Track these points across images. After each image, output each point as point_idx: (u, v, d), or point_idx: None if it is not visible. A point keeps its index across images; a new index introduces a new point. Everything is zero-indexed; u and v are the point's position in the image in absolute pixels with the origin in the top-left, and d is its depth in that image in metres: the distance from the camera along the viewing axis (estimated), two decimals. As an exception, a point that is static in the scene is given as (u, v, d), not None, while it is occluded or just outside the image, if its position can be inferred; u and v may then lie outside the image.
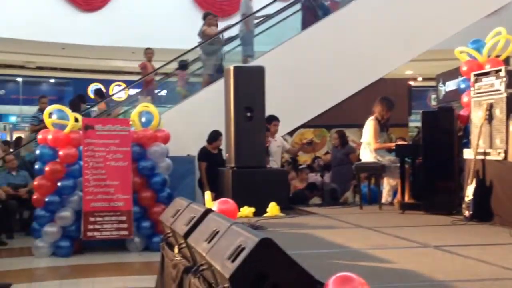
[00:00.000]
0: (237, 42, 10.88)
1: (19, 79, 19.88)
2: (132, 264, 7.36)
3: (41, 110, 10.51)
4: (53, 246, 7.63)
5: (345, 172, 8.84)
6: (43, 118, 9.99)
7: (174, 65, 11.30)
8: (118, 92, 16.42)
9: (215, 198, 5.71)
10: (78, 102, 11.34)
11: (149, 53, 11.39)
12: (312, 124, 10.75)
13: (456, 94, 8.83)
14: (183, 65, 10.86)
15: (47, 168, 7.69)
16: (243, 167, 6.65)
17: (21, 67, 17.07)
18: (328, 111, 10.05)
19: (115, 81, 19.27)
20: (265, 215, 6.06)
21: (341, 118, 10.49)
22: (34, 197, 7.90)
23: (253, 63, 9.45)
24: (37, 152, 8.09)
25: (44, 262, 7.42)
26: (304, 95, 9.62)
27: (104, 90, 19.29)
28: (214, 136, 8.75)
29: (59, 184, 7.71)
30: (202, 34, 10.72)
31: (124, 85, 17.82)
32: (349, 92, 9.95)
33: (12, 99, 20.52)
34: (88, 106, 11.63)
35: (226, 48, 10.90)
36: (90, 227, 7.56)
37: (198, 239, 3.51)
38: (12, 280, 6.12)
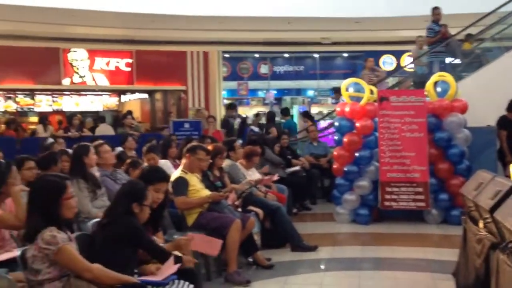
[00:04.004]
0: None
1: (316, 55, 21.15)
2: (430, 236, 7.30)
3: (435, 22, 10.75)
4: (353, 213, 8.02)
5: None
6: (438, 29, 10.34)
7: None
8: (410, 64, 16.22)
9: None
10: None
11: None
12: None
13: None
14: None
15: (345, 139, 8.08)
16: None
17: (317, 43, 18.06)
18: None
19: (407, 51, 19.08)
20: None
21: None
22: (334, 166, 8.39)
23: None
24: (336, 124, 8.54)
25: (345, 228, 7.85)
26: None
27: (396, 61, 19.33)
28: None
29: (356, 154, 8.04)
30: None
31: (415, 55, 17.52)
32: None
33: (310, 74, 21.97)
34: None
35: None
36: (387, 197, 7.73)
37: (506, 214, 3.32)
38: (317, 242, 6.63)
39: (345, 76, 15.04)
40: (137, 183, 4.01)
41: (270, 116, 13.50)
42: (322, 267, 6.00)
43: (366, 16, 13.61)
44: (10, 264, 3.51)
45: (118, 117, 13.83)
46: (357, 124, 8.03)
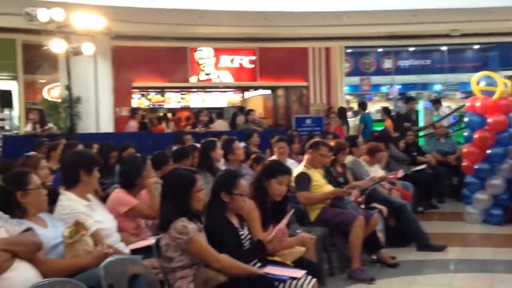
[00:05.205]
0: None
1: (444, 48, 20.26)
2: None
3: None
4: (484, 213, 7.61)
5: None
6: None
7: None
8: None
9: None
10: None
11: None
12: None
13: None
14: None
15: (476, 136, 7.68)
16: None
17: (446, 35, 17.27)
18: None
19: (544, 41, 17.73)
20: None
21: None
22: (464, 164, 8.00)
23: None
24: (466, 119, 8.14)
25: (475, 228, 7.48)
26: None
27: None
28: None
29: (488, 151, 7.61)
30: None
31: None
32: None
33: (437, 68, 21.11)
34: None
35: None
36: (523, 197, 7.25)
37: None
38: (445, 242, 6.38)
39: (475, 69, 14.28)
40: (227, 172, 3.95)
41: (341, 112, 13.24)
42: (451, 268, 5.76)
43: (498, 6, 12.77)
44: (145, 251, 3.73)
45: (236, 114, 14.23)
46: (489, 120, 7.59)
